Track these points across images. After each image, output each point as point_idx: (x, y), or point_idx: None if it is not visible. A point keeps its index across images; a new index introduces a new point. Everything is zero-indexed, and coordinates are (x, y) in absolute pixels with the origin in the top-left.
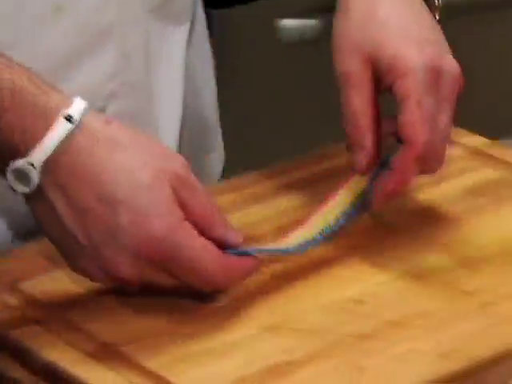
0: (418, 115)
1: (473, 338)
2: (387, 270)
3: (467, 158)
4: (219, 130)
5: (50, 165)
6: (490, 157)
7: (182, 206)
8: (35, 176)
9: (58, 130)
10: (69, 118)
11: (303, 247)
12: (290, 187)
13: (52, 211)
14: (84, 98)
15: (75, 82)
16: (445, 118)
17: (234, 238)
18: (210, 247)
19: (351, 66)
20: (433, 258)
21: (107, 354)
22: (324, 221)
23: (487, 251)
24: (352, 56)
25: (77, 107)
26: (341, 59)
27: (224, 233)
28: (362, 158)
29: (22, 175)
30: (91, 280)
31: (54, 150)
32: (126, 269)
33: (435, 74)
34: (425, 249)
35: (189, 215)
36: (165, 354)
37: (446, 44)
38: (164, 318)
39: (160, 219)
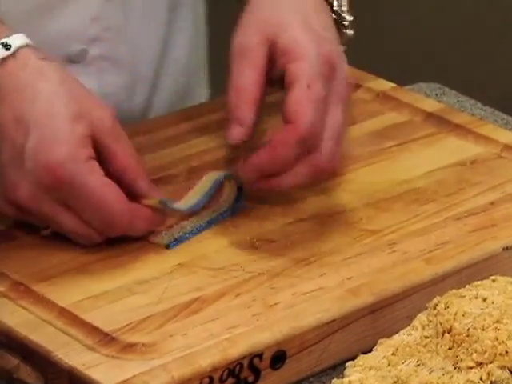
0: (305, 96)
1: (380, 274)
2: (295, 211)
3: (374, 102)
4: (203, 80)
5: None
6: (396, 100)
7: (104, 153)
8: None
9: None
10: (6, 46)
11: (197, 206)
12: (203, 130)
13: None
14: (66, 39)
15: (58, 23)
16: (337, 114)
17: (154, 194)
18: (115, 188)
19: (250, 40)
20: (339, 199)
21: (18, 292)
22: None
23: (392, 192)
24: (253, 31)
25: (17, 39)
26: (242, 32)
27: (146, 186)
28: (239, 133)
29: None
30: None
31: None
32: (25, 194)
33: (329, 68)
34: (331, 190)
35: (111, 163)
36: (77, 292)
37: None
38: (75, 256)
39: (63, 147)
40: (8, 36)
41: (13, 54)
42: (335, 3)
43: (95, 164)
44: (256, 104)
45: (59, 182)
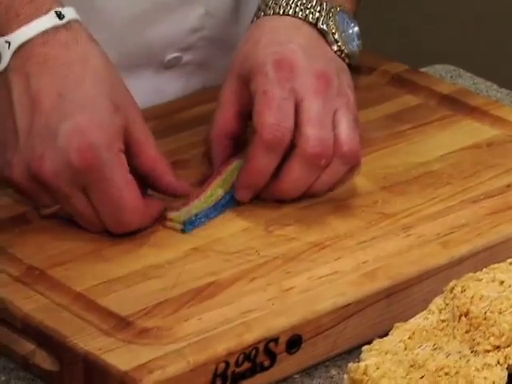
0: (261, 103)
1: (396, 258)
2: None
3: (389, 85)
4: None
5: (25, 49)
6: (412, 83)
7: (133, 148)
8: (7, 55)
9: (46, 21)
10: (60, 15)
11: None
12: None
13: (7, 95)
14: (163, 46)
15: (158, 31)
16: (344, 122)
17: (182, 187)
18: (135, 189)
19: (225, 90)
20: (354, 182)
21: (33, 277)
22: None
23: (408, 175)
24: (230, 80)
25: (70, 12)
26: (223, 84)
27: (174, 181)
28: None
29: None
30: (12, 181)
31: (35, 37)
32: (50, 168)
33: (324, 83)
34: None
35: (140, 159)
36: (92, 277)
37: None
38: (90, 241)
39: (101, 133)
40: (61, 6)
41: (65, 26)
42: (335, 47)
43: (124, 158)
44: (225, 153)
45: (87, 166)
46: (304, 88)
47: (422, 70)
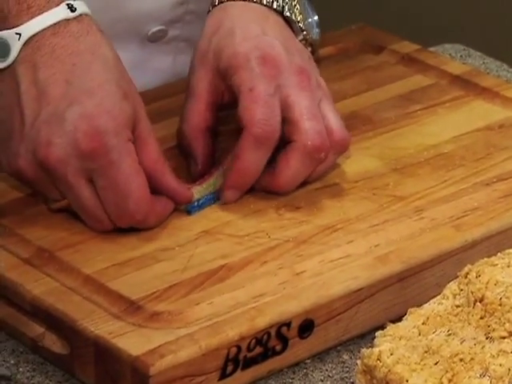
0: (248, 99)
1: (409, 242)
2: (320, 177)
3: (398, 65)
4: None
5: (35, 40)
6: (422, 63)
7: (138, 141)
8: (17, 47)
9: (58, 13)
10: (71, 8)
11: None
12: None
13: (15, 87)
14: (146, 19)
15: (139, 3)
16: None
17: (183, 192)
18: (143, 179)
19: (195, 78)
20: (365, 164)
21: (43, 259)
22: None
23: (419, 157)
24: (198, 68)
25: (82, 6)
26: (190, 72)
27: (174, 181)
28: (196, 168)
29: (1, 46)
30: (19, 172)
31: (46, 29)
32: (57, 154)
33: (306, 78)
34: (357, 155)
35: (143, 153)
36: (101, 259)
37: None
38: None
39: (110, 118)
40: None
41: (76, 18)
42: (300, 37)
43: (133, 147)
44: (202, 144)
45: (95, 151)
46: (288, 84)
47: (431, 49)
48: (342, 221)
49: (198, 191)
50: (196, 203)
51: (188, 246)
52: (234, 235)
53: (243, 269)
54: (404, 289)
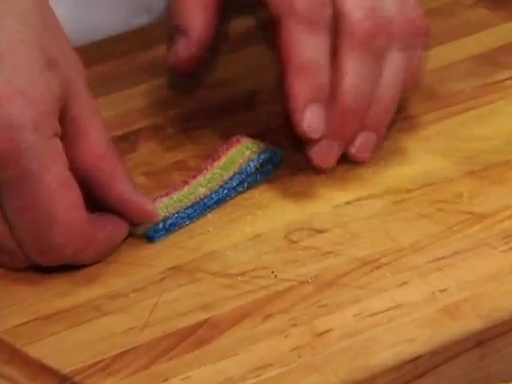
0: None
1: (492, 285)
2: (358, 185)
3: (477, 7)
4: None
5: None
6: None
7: (71, 128)
8: None
9: None
10: None
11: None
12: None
13: None
14: None
15: None
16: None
17: (143, 205)
18: (75, 195)
19: None
20: (425, 165)
21: None
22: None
23: (507, 153)
24: None
25: None
26: None
27: (128, 190)
28: (184, 45)
29: None
30: None
31: None
32: None
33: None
34: (412, 150)
35: (78, 147)
36: (16, 311)
37: None
38: None
39: (27, 104)
40: None
41: None
42: None
43: (60, 145)
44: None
45: (3, 154)
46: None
47: None
48: (388, 252)
49: (165, 206)
50: (161, 224)
51: (150, 289)
52: (222, 274)
53: (235, 326)
54: (484, 358)
